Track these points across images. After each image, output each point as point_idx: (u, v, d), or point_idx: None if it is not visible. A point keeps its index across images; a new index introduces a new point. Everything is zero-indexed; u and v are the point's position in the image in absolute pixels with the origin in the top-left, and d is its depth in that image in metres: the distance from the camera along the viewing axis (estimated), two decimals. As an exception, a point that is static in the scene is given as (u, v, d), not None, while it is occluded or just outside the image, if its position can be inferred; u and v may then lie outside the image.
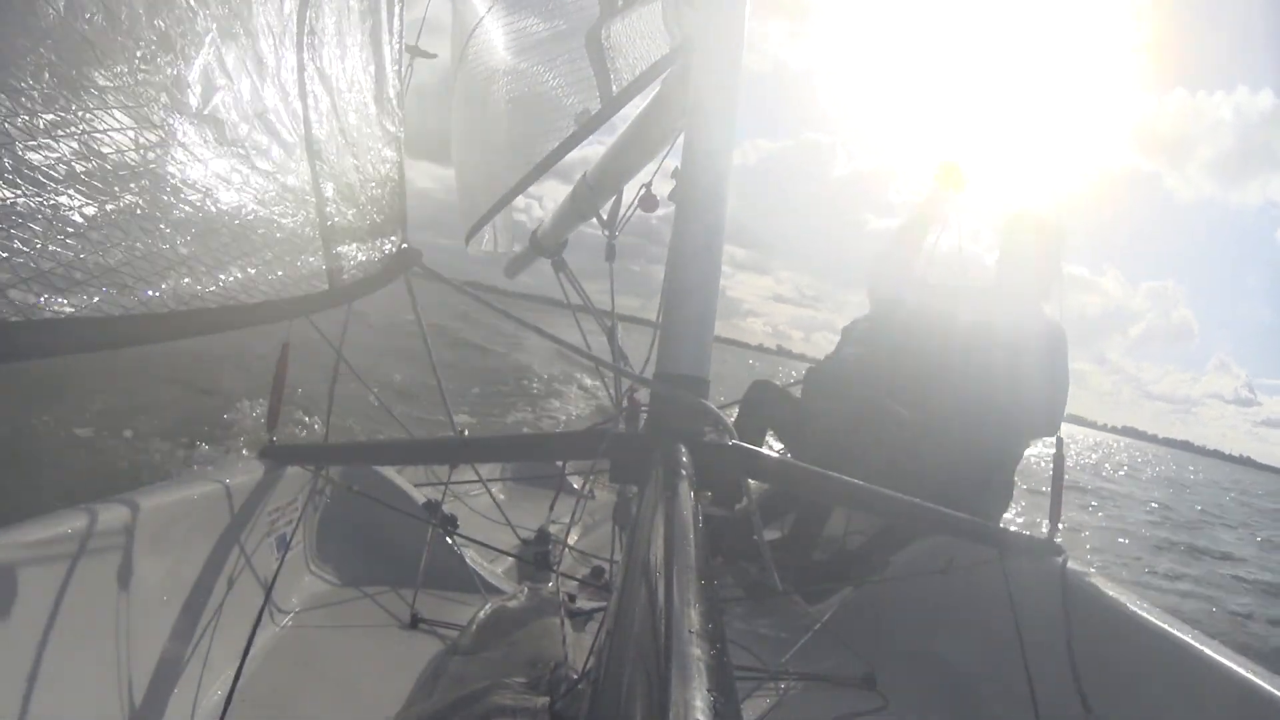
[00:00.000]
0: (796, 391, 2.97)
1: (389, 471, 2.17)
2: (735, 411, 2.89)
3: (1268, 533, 16.66)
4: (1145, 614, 1.51)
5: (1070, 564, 1.69)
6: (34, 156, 0.54)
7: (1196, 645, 1.37)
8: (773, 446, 2.79)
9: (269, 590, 1.59)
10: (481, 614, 1.69)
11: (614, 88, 2.05)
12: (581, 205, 2.67)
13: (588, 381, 12.31)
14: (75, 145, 0.57)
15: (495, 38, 2.56)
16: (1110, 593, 1.61)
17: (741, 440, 1.43)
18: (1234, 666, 1.29)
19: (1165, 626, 1.45)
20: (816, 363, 2.96)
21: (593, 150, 2.64)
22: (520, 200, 2.67)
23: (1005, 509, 2.45)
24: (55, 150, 0.56)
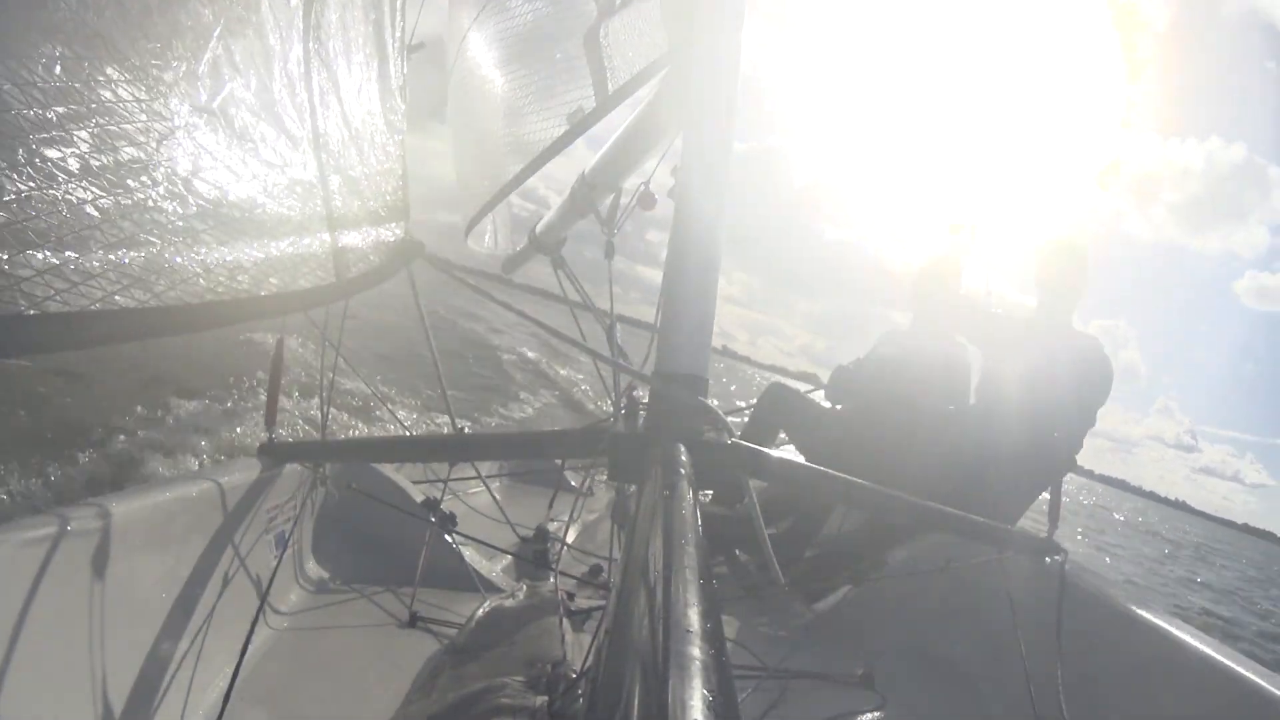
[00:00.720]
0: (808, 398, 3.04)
1: (387, 469, 2.17)
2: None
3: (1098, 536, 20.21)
4: (1144, 613, 1.52)
5: (1069, 563, 1.69)
6: (46, 150, 0.54)
7: (1194, 643, 1.38)
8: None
9: (267, 588, 1.58)
10: (480, 612, 1.69)
11: (610, 86, 2.05)
12: (580, 203, 2.67)
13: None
14: (86, 138, 0.57)
15: (492, 33, 2.55)
16: (1109, 591, 1.62)
17: (752, 441, 1.43)
18: (1231, 665, 1.30)
19: (1164, 625, 1.46)
20: (844, 365, 3.04)
21: (595, 148, 2.64)
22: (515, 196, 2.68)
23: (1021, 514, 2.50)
24: (67, 144, 0.56)
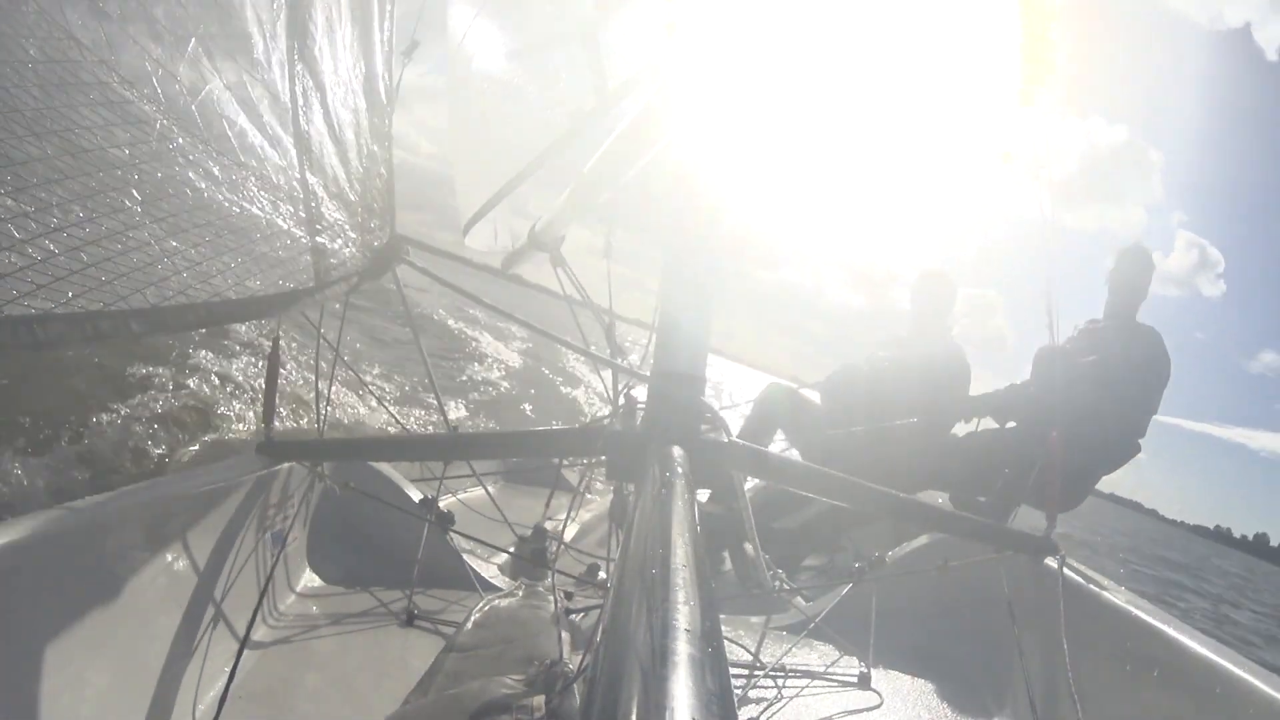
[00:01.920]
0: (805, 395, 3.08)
1: (385, 468, 2.17)
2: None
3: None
4: (1142, 613, 1.51)
5: (1068, 562, 1.69)
6: (17, 154, 0.53)
7: (1193, 644, 1.37)
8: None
9: (264, 587, 1.59)
10: (478, 611, 1.69)
11: (609, 84, 2.05)
12: (579, 201, 2.66)
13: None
14: (59, 142, 0.56)
15: (492, 33, 2.55)
16: (1107, 591, 1.61)
17: (749, 440, 1.43)
18: (1230, 665, 1.29)
19: (1161, 625, 1.45)
20: (843, 366, 3.11)
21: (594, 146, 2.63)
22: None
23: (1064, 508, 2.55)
24: (39, 148, 0.55)
